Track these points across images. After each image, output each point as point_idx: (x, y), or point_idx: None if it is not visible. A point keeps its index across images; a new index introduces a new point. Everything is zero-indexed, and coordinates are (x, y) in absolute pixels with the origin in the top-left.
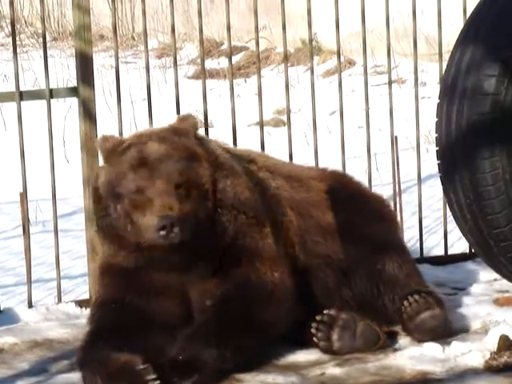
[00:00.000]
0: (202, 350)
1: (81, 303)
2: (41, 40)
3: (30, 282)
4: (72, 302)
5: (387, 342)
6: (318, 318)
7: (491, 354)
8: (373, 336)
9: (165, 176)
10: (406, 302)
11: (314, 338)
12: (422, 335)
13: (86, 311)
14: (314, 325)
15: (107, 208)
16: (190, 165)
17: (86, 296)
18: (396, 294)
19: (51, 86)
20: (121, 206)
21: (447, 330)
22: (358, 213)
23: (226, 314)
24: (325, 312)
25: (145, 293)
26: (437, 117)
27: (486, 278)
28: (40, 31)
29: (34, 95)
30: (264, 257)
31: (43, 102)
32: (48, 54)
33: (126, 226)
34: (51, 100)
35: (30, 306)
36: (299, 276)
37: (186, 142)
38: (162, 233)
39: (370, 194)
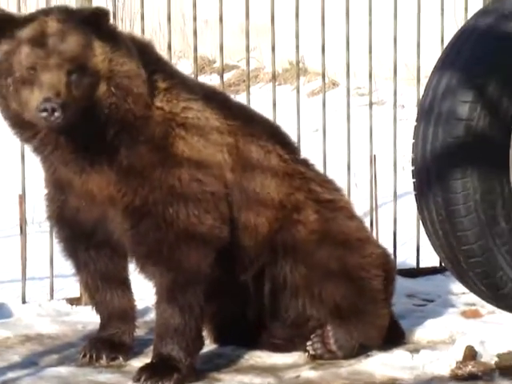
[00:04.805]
0: (171, 348)
1: (71, 301)
2: None
3: (24, 279)
4: (63, 299)
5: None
6: (308, 343)
7: (457, 363)
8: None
9: (59, 59)
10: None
11: (315, 355)
12: None
13: (76, 308)
14: (308, 344)
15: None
16: (86, 51)
17: (77, 294)
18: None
19: None
20: (12, 80)
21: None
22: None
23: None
24: (312, 336)
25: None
26: (413, 138)
27: (454, 291)
28: None
29: None
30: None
31: None
32: None
33: (14, 101)
34: None
35: (24, 301)
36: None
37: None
38: (44, 114)
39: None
